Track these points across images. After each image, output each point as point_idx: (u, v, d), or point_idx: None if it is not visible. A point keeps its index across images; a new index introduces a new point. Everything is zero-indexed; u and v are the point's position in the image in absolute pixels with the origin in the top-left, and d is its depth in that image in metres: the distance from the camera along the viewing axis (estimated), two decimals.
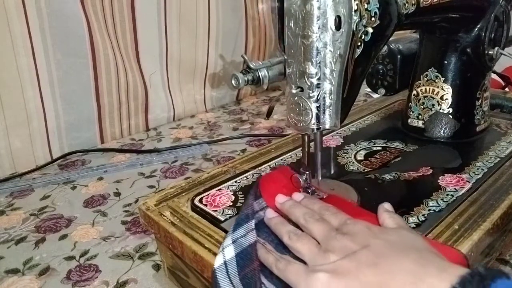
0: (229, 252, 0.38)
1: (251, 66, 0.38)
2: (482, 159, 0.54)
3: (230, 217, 0.45)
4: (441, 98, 0.60)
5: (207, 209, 0.47)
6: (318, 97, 0.38)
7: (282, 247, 0.39)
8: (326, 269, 0.31)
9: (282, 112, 1.06)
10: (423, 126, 0.62)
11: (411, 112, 0.63)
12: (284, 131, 0.96)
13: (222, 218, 0.45)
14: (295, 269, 0.33)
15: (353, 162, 0.55)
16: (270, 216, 0.41)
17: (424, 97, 0.61)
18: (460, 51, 0.58)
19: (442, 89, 0.60)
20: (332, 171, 0.52)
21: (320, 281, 0.31)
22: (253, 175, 0.54)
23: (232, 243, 0.38)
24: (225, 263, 0.37)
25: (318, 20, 0.35)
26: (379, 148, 0.59)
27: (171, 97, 1.08)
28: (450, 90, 0.60)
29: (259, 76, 0.39)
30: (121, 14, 0.93)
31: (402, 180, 0.50)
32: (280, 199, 0.43)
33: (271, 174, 0.49)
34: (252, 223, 0.40)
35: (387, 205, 0.40)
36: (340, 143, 0.61)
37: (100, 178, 0.80)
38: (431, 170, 0.52)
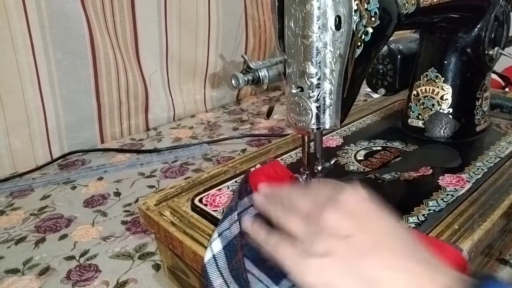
0: (216, 245, 0.38)
1: (251, 66, 0.38)
2: (482, 159, 0.54)
3: None
4: (441, 98, 0.60)
5: (207, 209, 0.47)
6: (318, 97, 0.38)
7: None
8: (318, 254, 0.30)
9: (282, 112, 1.06)
10: (423, 126, 0.62)
11: (411, 112, 0.63)
12: (284, 131, 0.96)
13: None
14: (287, 249, 0.31)
15: (353, 162, 0.55)
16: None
17: (424, 97, 0.61)
18: (460, 51, 0.58)
19: (442, 89, 0.60)
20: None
21: (313, 268, 0.29)
22: None
23: (218, 237, 0.39)
24: (214, 257, 0.38)
25: (318, 20, 0.35)
26: (379, 148, 0.59)
27: (171, 97, 1.08)
28: (450, 90, 0.60)
29: (259, 76, 0.39)
30: (121, 13, 0.93)
31: (402, 180, 0.50)
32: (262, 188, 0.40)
33: (261, 168, 0.49)
34: (234, 215, 0.40)
35: None
36: (340, 143, 0.61)
37: (100, 178, 0.80)
38: (431, 170, 0.52)
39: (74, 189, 0.77)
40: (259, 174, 0.48)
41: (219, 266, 0.37)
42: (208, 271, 0.37)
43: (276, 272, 0.35)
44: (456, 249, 0.36)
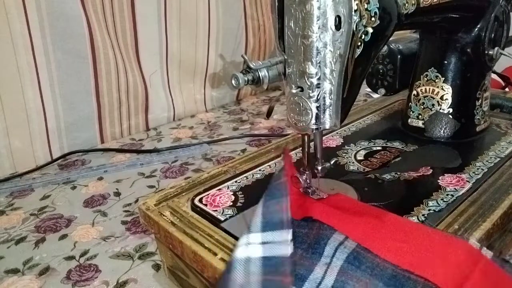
0: (256, 251, 0.36)
1: (251, 66, 0.38)
2: (482, 159, 0.54)
3: (230, 217, 0.45)
4: (441, 98, 0.60)
5: (207, 209, 0.47)
6: (318, 97, 0.38)
7: (312, 253, 0.38)
8: None
9: (282, 112, 1.06)
10: (423, 126, 0.62)
11: (411, 112, 0.63)
12: (284, 131, 0.96)
13: (222, 218, 0.45)
14: None
15: (353, 162, 0.55)
16: None
17: (424, 97, 0.61)
18: (460, 51, 0.58)
19: (442, 89, 0.60)
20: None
21: None
22: (253, 175, 0.54)
23: (262, 244, 0.37)
24: (248, 258, 0.35)
25: (318, 20, 0.35)
26: (379, 148, 0.59)
27: (171, 97, 1.08)
28: (450, 90, 0.60)
29: (259, 76, 0.39)
30: (121, 13, 0.93)
31: (402, 180, 0.50)
32: None
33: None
34: (289, 234, 0.37)
35: None
36: (340, 143, 0.61)
37: (100, 178, 0.80)
38: (431, 170, 0.52)
39: (74, 189, 0.77)
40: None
41: (250, 269, 0.35)
42: (236, 267, 0.35)
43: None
44: (462, 240, 0.36)
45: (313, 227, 0.40)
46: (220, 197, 0.49)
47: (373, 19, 0.38)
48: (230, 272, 0.35)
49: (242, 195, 0.49)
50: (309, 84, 0.37)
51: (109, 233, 0.63)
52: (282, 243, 0.37)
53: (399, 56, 0.65)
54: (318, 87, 0.38)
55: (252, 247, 0.36)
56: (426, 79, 0.61)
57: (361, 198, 0.46)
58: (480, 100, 0.61)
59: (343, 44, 0.36)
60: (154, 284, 0.52)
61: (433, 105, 0.61)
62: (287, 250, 0.36)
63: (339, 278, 0.34)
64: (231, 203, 0.48)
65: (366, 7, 0.37)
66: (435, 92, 0.60)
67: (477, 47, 0.58)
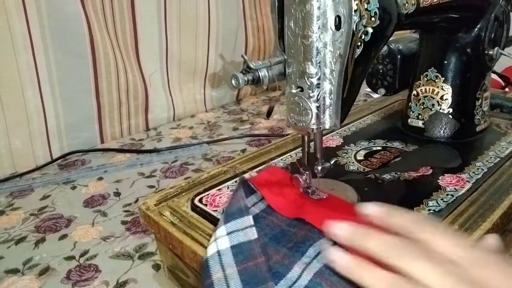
0: (223, 243, 0.38)
1: (251, 66, 0.38)
2: (482, 159, 0.54)
3: None
4: (441, 98, 0.60)
5: (207, 209, 0.47)
6: (318, 97, 0.38)
7: (276, 242, 0.39)
8: None
9: (282, 112, 1.06)
10: (423, 126, 0.62)
11: (411, 112, 0.63)
12: (284, 131, 0.96)
13: None
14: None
15: (353, 162, 0.55)
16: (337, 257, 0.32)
17: (424, 97, 0.61)
18: (460, 51, 0.58)
19: (442, 89, 0.60)
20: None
21: None
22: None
23: (227, 235, 0.38)
24: (218, 252, 0.37)
25: (318, 20, 0.35)
26: (379, 148, 0.59)
27: (171, 97, 1.08)
28: (450, 90, 0.60)
29: (259, 76, 0.39)
30: (121, 13, 0.94)
31: (402, 180, 0.50)
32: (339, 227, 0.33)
33: (258, 174, 0.49)
34: (250, 220, 0.40)
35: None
36: (340, 143, 0.61)
37: (100, 178, 0.80)
38: (431, 170, 0.52)
39: (74, 189, 0.77)
40: (259, 177, 0.48)
41: (223, 262, 0.37)
42: (210, 264, 0.36)
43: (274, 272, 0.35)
44: None
45: (303, 228, 0.40)
46: (220, 197, 0.49)
47: (373, 19, 0.38)
48: (207, 271, 0.36)
49: None
50: (309, 84, 0.37)
51: (109, 233, 0.63)
52: (245, 229, 0.39)
53: (399, 56, 0.65)
54: (318, 87, 0.37)
55: (220, 240, 0.38)
56: (426, 79, 0.61)
57: (361, 198, 0.46)
58: (480, 100, 0.61)
59: (343, 44, 0.36)
60: (154, 284, 0.52)
61: (433, 105, 0.61)
62: (252, 234, 0.38)
63: (314, 279, 0.34)
64: None
65: (366, 7, 0.37)
66: (435, 92, 0.60)
67: (477, 47, 0.58)
